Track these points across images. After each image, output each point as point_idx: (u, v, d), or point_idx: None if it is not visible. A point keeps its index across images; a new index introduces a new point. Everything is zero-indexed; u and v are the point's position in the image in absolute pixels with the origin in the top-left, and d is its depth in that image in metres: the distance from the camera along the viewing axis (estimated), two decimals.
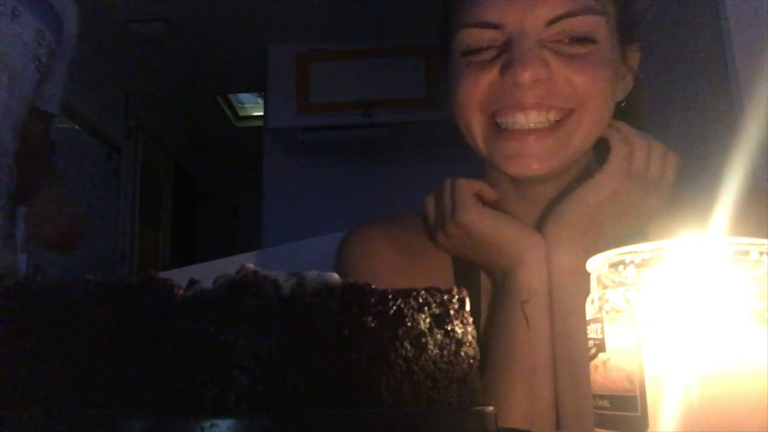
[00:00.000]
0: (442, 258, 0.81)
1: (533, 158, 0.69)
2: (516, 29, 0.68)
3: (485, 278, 0.79)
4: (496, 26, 0.69)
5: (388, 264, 0.81)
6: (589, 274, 0.63)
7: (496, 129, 0.71)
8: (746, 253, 0.35)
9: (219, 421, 0.28)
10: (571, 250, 0.69)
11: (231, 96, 4.55)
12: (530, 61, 0.67)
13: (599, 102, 0.70)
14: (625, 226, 0.70)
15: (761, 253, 0.35)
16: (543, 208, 0.75)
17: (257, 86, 3.95)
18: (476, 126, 0.72)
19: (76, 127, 3.43)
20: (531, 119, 0.69)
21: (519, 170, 0.70)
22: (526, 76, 0.67)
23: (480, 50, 0.71)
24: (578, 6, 0.68)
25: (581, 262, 0.66)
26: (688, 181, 0.73)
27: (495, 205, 0.79)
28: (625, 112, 0.76)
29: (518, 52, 0.67)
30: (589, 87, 0.69)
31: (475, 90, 0.71)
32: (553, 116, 0.69)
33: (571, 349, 0.67)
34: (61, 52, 1.35)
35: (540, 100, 0.68)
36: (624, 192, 0.68)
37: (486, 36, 0.70)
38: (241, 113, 4.81)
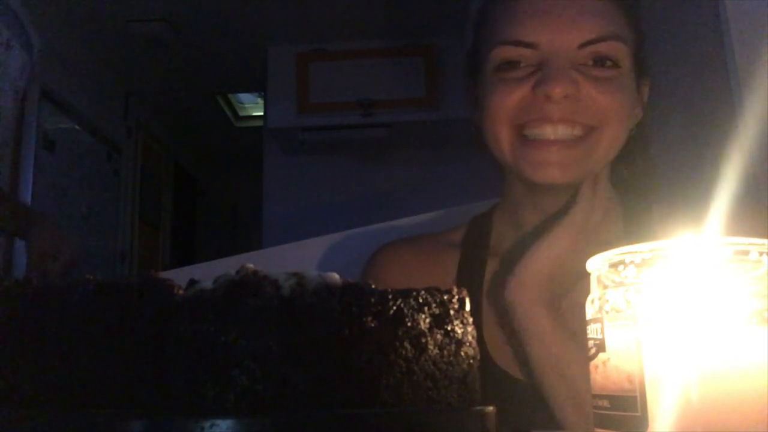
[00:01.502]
0: (451, 258, 0.86)
1: (556, 166, 0.75)
2: (550, 49, 0.75)
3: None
4: (531, 45, 0.75)
5: (409, 282, 0.83)
6: (554, 330, 0.67)
7: (523, 140, 0.77)
8: (746, 253, 0.35)
9: (219, 421, 0.28)
10: (535, 306, 0.69)
11: (231, 96, 4.54)
12: (562, 79, 0.73)
13: (618, 122, 0.76)
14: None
15: (761, 253, 0.35)
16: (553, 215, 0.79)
17: (257, 86, 3.94)
18: (504, 137, 0.78)
19: (76, 127, 3.42)
20: (557, 132, 0.75)
21: (542, 177, 0.75)
22: (557, 91, 0.73)
23: (513, 67, 0.77)
24: (606, 32, 0.75)
25: (547, 319, 0.67)
26: (688, 182, 0.73)
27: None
28: (630, 141, 0.81)
29: (551, 70, 0.74)
30: (610, 107, 0.75)
31: (507, 104, 0.76)
32: (577, 132, 0.75)
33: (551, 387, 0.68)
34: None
35: (567, 115, 0.74)
36: (577, 249, 0.71)
37: (521, 53, 0.76)
38: (241, 113, 4.79)
